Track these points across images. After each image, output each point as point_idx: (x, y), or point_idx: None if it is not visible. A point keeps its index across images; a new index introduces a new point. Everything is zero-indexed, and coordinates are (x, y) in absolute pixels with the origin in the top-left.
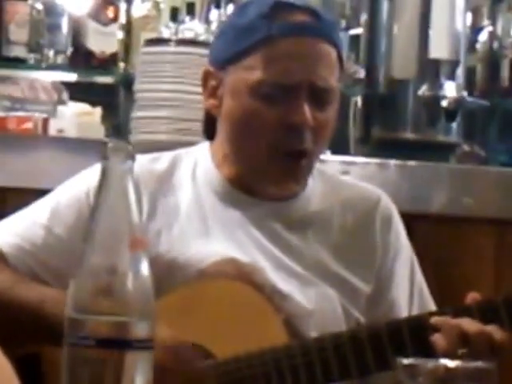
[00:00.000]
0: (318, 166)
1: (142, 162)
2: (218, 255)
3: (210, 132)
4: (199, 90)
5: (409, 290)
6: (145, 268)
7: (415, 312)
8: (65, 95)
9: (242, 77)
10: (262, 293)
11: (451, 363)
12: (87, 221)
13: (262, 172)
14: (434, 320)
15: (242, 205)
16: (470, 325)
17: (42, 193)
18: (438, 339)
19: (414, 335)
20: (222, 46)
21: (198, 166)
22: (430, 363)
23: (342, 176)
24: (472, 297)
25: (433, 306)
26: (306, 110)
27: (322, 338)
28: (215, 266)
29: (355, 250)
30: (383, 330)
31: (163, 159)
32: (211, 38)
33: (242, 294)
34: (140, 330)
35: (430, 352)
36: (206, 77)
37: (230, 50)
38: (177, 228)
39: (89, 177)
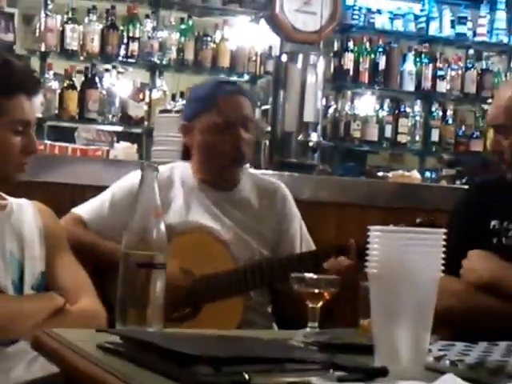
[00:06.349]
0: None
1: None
2: (194, 223)
3: (186, 156)
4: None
5: (299, 237)
6: (162, 227)
7: (303, 249)
8: (115, 138)
9: (205, 123)
10: (216, 239)
11: (316, 275)
12: (130, 202)
13: (221, 173)
14: (326, 263)
15: (208, 194)
16: (343, 261)
17: (106, 187)
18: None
19: (313, 264)
20: (190, 109)
21: (183, 174)
22: (306, 275)
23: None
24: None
25: (312, 246)
26: (242, 133)
27: (254, 262)
28: (192, 229)
29: (266, 216)
30: (293, 259)
31: (164, 169)
32: None
33: (205, 240)
34: (159, 258)
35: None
36: (183, 127)
37: (196, 110)
38: (174, 208)
39: (130, 179)
